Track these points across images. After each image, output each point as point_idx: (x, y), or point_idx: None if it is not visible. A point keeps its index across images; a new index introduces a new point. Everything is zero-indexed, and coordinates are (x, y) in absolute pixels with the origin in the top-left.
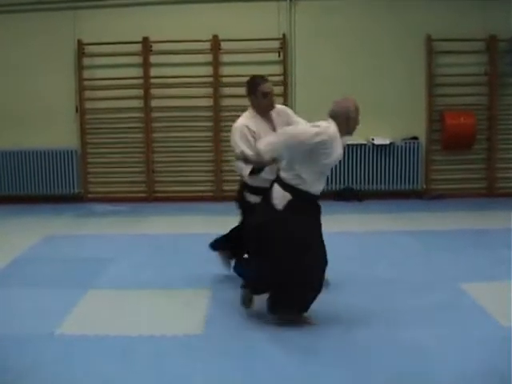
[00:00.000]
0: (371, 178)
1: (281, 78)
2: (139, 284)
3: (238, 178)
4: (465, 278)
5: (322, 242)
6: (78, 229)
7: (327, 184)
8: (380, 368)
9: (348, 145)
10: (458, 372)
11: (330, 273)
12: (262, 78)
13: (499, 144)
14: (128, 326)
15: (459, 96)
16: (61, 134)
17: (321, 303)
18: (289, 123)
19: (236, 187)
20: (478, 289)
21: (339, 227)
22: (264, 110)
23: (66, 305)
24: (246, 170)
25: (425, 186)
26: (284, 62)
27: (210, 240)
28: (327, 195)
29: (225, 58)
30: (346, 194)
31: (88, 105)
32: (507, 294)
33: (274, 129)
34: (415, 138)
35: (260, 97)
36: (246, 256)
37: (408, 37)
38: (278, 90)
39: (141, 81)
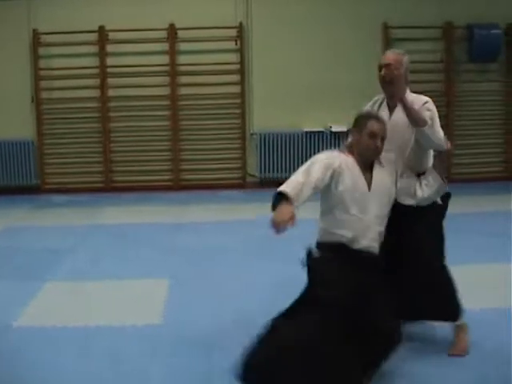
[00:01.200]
0: None
1: (238, 66)
2: (97, 274)
3: None
4: None
5: None
6: (35, 220)
7: (284, 172)
8: None
9: (306, 132)
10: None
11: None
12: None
13: (456, 130)
14: (86, 317)
15: (416, 83)
16: (17, 125)
17: None
18: None
19: (195, 175)
20: None
21: (297, 215)
22: None
23: (23, 297)
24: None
25: None
26: (241, 51)
27: (167, 229)
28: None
29: (181, 47)
30: None
31: (44, 95)
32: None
33: None
34: None
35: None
36: None
37: (365, 25)
38: (234, 78)
39: (97, 70)
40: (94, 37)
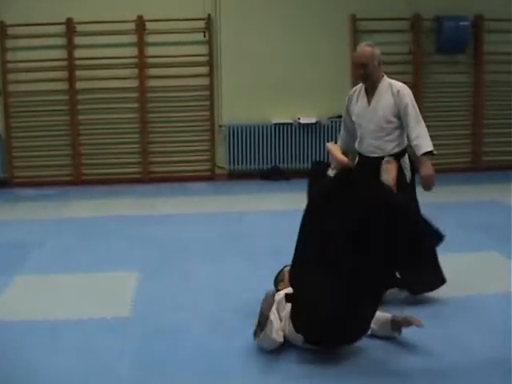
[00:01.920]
0: (298, 157)
1: (206, 58)
2: (66, 268)
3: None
4: None
5: None
6: (3, 214)
7: (253, 164)
8: None
9: (274, 124)
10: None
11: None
12: None
13: (424, 121)
14: (55, 311)
15: (385, 74)
16: None
17: None
18: None
19: (164, 168)
20: None
21: (266, 207)
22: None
23: None
24: None
25: None
26: (209, 43)
27: (136, 222)
28: (254, 175)
29: (150, 39)
30: (273, 174)
31: (12, 88)
32: None
33: None
34: (340, 117)
35: None
36: None
37: (332, 16)
38: (203, 70)
39: (65, 63)
40: (61, 29)
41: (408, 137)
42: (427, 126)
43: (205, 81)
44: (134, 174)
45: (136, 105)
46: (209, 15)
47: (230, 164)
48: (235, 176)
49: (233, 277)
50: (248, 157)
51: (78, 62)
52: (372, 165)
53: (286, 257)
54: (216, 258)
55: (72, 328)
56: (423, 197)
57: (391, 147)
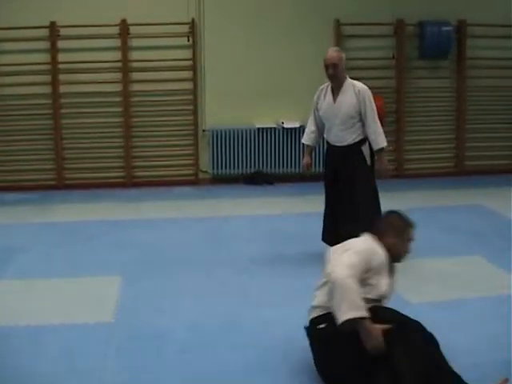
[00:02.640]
0: (282, 162)
1: (190, 62)
2: (48, 273)
3: None
4: None
5: None
6: None
7: (237, 168)
8: None
9: (258, 128)
10: None
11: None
12: None
13: (406, 126)
14: (38, 316)
15: (368, 79)
16: None
17: None
18: None
19: (148, 172)
20: None
21: (250, 211)
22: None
23: None
24: None
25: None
26: (193, 47)
27: (119, 226)
28: (237, 179)
29: (134, 43)
30: (257, 178)
31: None
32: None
33: None
34: None
35: None
36: None
37: (317, 21)
38: (187, 74)
39: (48, 66)
40: (45, 32)
41: (366, 132)
42: (410, 131)
43: (188, 85)
44: (117, 179)
45: (119, 109)
46: (193, 19)
47: (213, 168)
48: (219, 180)
49: (215, 281)
50: (232, 161)
51: (61, 66)
52: (339, 151)
53: (267, 262)
54: (199, 262)
55: (55, 333)
56: (408, 202)
57: (354, 137)
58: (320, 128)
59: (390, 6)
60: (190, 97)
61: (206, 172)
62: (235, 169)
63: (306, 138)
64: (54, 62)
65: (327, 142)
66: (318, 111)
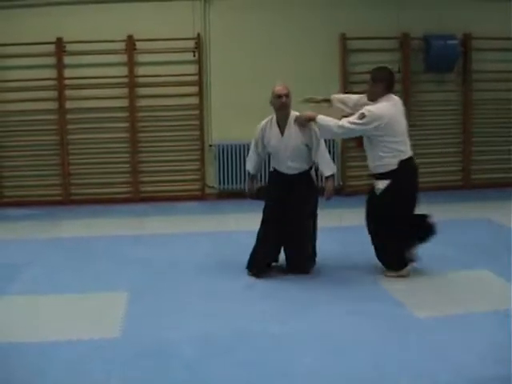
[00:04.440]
0: None
1: (196, 77)
2: (54, 289)
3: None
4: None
5: None
6: None
7: (243, 183)
8: None
9: None
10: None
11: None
12: None
13: (412, 140)
14: (43, 332)
15: None
16: None
17: None
18: None
19: (154, 187)
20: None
21: (256, 226)
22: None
23: None
24: None
25: (341, 183)
26: (199, 62)
27: (126, 242)
28: (244, 194)
29: (140, 58)
30: (263, 193)
31: (1, 107)
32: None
33: None
34: None
35: None
36: None
37: (323, 35)
38: (193, 89)
39: (55, 82)
40: (51, 48)
41: (315, 160)
42: (416, 144)
43: (194, 100)
44: (123, 194)
45: (126, 124)
46: (198, 35)
47: (219, 183)
48: (225, 195)
49: (222, 297)
50: (238, 176)
51: (67, 82)
52: (288, 178)
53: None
54: (205, 277)
55: (60, 349)
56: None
57: (305, 165)
58: (262, 158)
59: (396, 20)
60: (196, 112)
61: (212, 187)
62: (241, 184)
63: (251, 168)
64: (60, 77)
65: (276, 170)
66: (263, 146)
